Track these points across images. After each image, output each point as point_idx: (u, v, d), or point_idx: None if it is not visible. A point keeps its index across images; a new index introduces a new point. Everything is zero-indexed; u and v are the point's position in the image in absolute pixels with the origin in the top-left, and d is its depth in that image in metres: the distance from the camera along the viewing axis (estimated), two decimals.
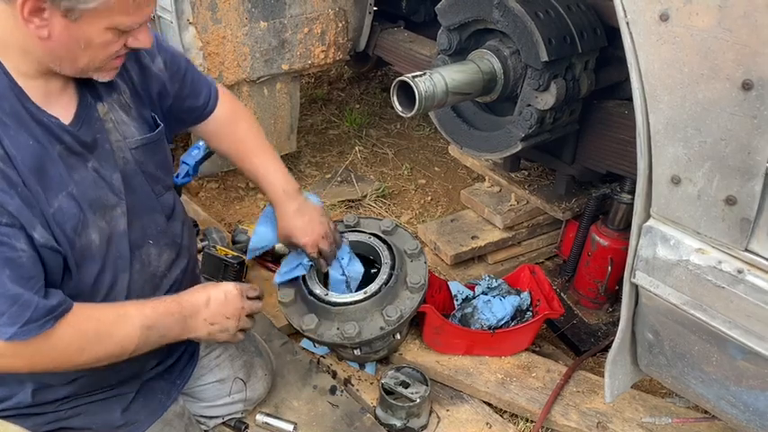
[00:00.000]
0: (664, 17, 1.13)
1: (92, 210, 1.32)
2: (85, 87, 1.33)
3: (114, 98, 1.40)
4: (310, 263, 1.92)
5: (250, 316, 1.62)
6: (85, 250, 1.32)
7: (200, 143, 2.54)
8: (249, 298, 1.61)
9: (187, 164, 2.49)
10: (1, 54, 1.18)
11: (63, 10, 1.10)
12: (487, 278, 2.34)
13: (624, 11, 1.18)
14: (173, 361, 1.70)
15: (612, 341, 1.60)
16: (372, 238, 2.04)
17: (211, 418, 1.86)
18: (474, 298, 2.28)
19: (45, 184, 1.23)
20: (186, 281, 1.64)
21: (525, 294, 2.26)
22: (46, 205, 1.23)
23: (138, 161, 1.43)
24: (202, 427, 1.83)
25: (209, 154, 2.55)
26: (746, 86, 1.07)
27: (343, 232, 2.02)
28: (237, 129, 1.77)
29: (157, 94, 1.52)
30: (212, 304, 1.51)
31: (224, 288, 1.55)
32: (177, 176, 2.50)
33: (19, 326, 1.18)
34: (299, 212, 1.79)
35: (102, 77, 1.31)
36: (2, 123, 1.18)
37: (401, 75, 1.91)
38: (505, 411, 2.09)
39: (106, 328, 1.34)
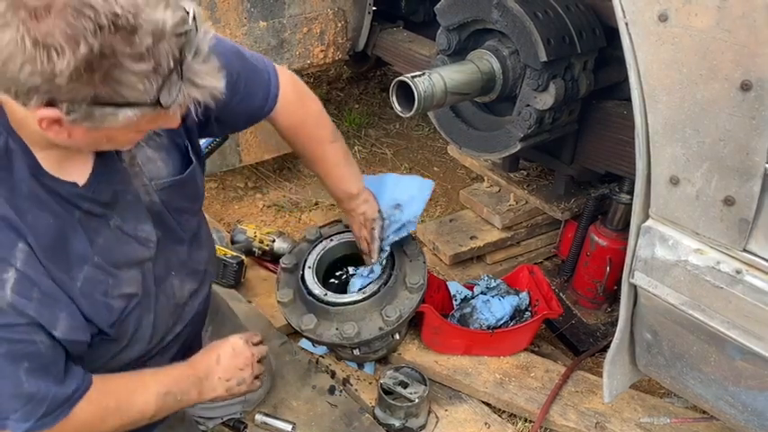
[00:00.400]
0: (663, 18, 1.13)
1: (119, 268, 1.29)
2: None
3: None
4: None
5: (259, 361, 1.64)
6: (122, 306, 1.30)
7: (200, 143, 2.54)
8: (254, 344, 1.62)
9: None
10: (18, 128, 1.11)
11: (84, 127, 1.02)
12: (486, 278, 2.34)
13: (623, 11, 1.18)
14: (172, 356, 1.69)
15: (611, 341, 1.60)
16: None
17: (210, 418, 1.86)
18: (473, 298, 2.28)
19: (69, 261, 1.19)
20: (205, 311, 1.65)
21: (524, 294, 2.26)
22: (70, 284, 1.19)
23: (164, 201, 1.38)
24: (201, 427, 1.83)
25: (208, 154, 2.55)
26: (745, 87, 1.07)
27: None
28: (299, 133, 1.74)
29: (202, 115, 1.40)
30: (223, 360, 1.52)
31: (230, 342, 1.57)
32: None
33: (34, 420, 1.18)
34: (349, 214, 1.95)
35: (123, 149, 1.26)
36: (21, 210, 1.12)
37: (400, 75, 1.91)
38: (504, 411, 2.10)
39: (125, 398, 1.34)
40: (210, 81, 1.03)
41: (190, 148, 1.44)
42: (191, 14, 0.99)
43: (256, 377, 1.61)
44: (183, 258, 1.48)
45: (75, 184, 1.19)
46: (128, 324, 1.34)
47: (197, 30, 1.00)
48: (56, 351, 1.19)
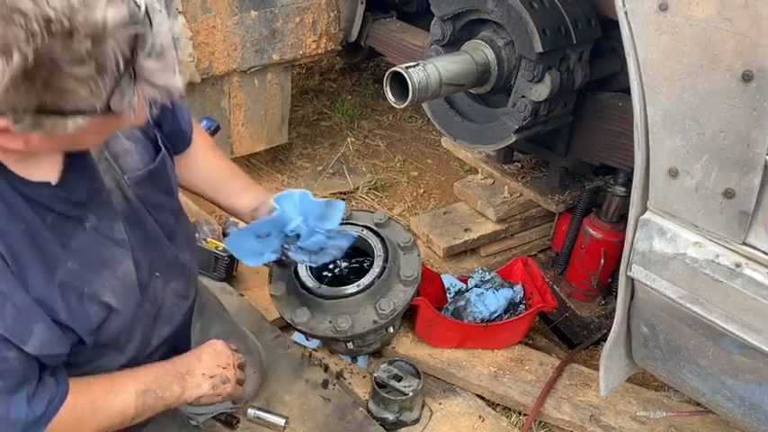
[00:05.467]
0: (663, 7, 1.11)
1: (97, 273, 1.24)
2: None
3: None
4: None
5: (239, 368, 1.63)
6: (101, 316, 1.26)
7: None
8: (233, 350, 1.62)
9: None
10: None
11: (36, 135, 0.96)
12: (480, 271, 2.33)
13: (623, 0, 1.16)
14: (159, 358, 1.67)
15: (605, 334, 1.60)
16: (365, 230, 2.03)
17: (200, 414, 1.84)
18: (467, 291, 2.27)
19: (43, 267, 1.13)
20: (192, 311, 1.63)
21: (518, 287, 2.25)
22: (46, 291, 1.14)
23: (139, 196, 1.33)
24: (192, 422, 1.81)
25: None
26: (746, 78, 1.06)
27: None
28: (215, 157, 1.72)
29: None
30: (204, 358, 1.52)
31: (211, 344, 1.56)
32: None
33: None
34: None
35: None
36: None
37: (393, 66, 1.89)
38: (498, 404, 2.09)
39: (102, 400, 1.31)
40: (167, 79, 0.96)
41: (158, 136, 1.41)
42: (142, 8, 0.92)
43: (239, 383, 1.60)
44: (171, 259, 1.45)
45: (46, 184, 1.13)
46: (110, 334, 1.30)
47: (151, 24, 0.92)
48: (29, 365, 1.15)
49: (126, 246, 1.29)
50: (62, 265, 1.17)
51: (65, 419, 1.24)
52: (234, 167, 1.79)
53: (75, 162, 1.17)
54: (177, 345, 1.61)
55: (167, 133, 1.48)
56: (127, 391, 1.34)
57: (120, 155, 1.30)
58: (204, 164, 1.69)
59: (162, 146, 1.40)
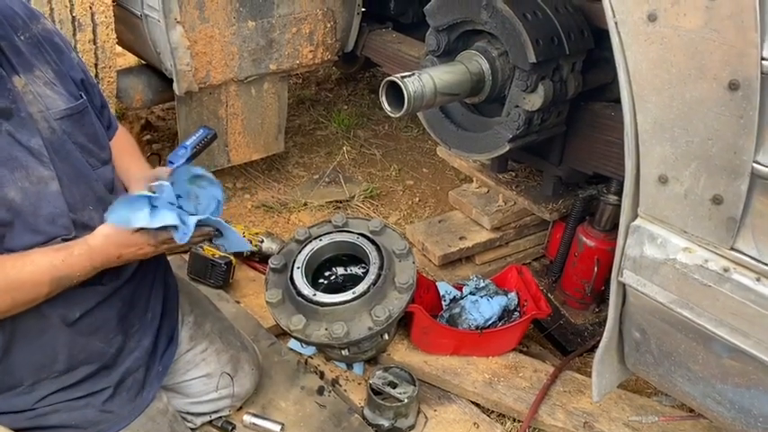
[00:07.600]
0: (652, 17, 1.14)
1: (6, 168, 1.33)
2: None
3: (35, 74, 1.43)
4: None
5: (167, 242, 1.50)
6: (5, 209, 1.32)
7: (187, 143, 2.52)
8: (161, 241, 1.47)
9: (173, 163, 2.47)
10: None
11: None
12: (475, 278, 2.34)
13: (613, 11, 1.18)
14: (149, 343, 1.67)
15: (599, 341, 1.61)
16: (360, 238, 2.04)
17: (198, 415, 1.85)
18: (462, 298, 2.29)
19: None
20: (152, 271, 1.67)
21: (512, 295, 2.26)
22: None
23: (65, 131, 1.44)
24: (189, 425, 1.82)
25: (196, 153, 2.53)
26: (733, 86, 1.08)
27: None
28: (129, 151, 1.81)
29: (80, 81, 1.54)
30: (124, 257, 1.45)
31: (137, 245, 1.44)
32: None
33: None
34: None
35: None
36: None
37: (389, 76, 1.91)
38: (493, 411, 2.10)
39: (14, 276, 1.33)
40: None
41: (83, 95, 1.52)
42: None
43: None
44: (102, 195, 1.51)
45: None
46: (22, 238, 1.37)
47: None
48: None
49: (43, 158, 1.39)
50: None
51: None
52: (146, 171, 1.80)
53: None
54: (134, 302, 1.63)
55: (98, 107, 1.62)
56: (42, 273, 1.35)
57: (43, 96, 1.43)
58: (126, 171, 1.72)
59: (83, 97, 1.52)
